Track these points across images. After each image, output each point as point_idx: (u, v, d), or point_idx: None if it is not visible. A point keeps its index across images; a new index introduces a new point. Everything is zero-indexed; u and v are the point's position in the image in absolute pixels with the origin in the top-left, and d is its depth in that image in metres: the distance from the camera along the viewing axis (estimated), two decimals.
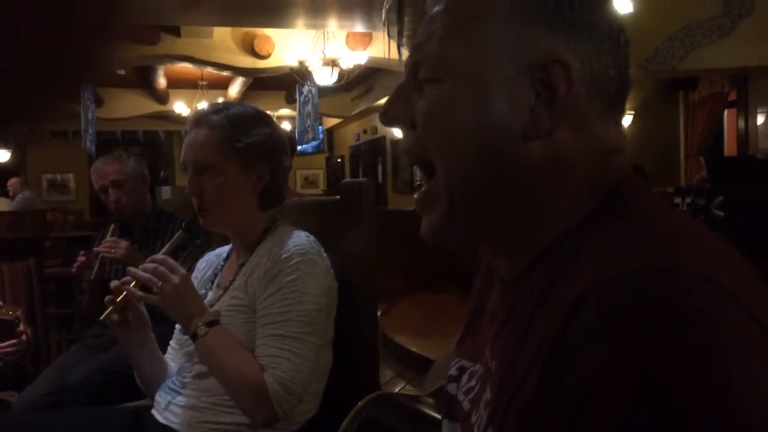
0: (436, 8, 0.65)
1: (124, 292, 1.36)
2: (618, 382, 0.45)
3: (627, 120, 7.70)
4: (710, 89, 7.52)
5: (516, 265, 0.63)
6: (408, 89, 0.65)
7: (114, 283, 1.37)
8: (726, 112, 7.70)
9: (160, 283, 1.33)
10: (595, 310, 0.48)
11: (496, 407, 0.58)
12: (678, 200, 5.65)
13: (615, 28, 0.62)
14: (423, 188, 0.65)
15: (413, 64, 0.65)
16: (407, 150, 0.65)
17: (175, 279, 1.33)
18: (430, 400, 0.80)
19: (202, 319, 1.33)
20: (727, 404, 0.43)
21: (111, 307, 1.37)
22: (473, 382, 0.70)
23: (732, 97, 7.35)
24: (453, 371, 0.76)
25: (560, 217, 0.59)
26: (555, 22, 0.59)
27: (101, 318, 1.37)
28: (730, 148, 7.80)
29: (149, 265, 1.35)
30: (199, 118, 1.45)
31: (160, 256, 1.38)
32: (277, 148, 1.48)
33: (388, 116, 0.66)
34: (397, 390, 3.38)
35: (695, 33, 5.86)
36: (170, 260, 1.37)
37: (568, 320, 0.49)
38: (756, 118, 6.92)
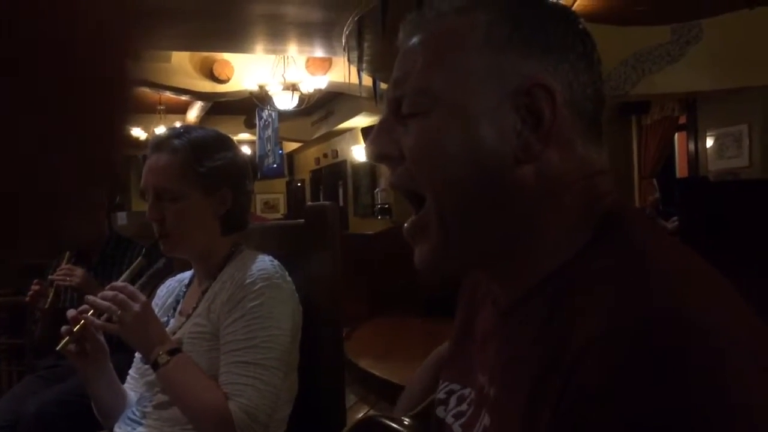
0: (411, 41, 0.65)
1: (82, 321, 1.32)
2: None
3: None
4: (661, 113, 7.75)
5: (512, 293, 0.63)
6: (391, 124, 0.65)
7: (71, 313, 1.33)
8: (677, 135, 7.94)
9: (119, 311, 1.29)
10: (597, 366, 0.48)
11: None
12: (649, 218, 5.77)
13: (588, 45, 0.63)
14: (413, 218, 0.65)
15: (395, 99, 0.65)
16: (397, 184, 0.65)
17: (136, 307, 1.30)
18: (417, 422, 0.79)
19: (164, 348, 1.30)
20: None
21: (68, 337, 1.32)
22: (464, 407, 0.69)
23: (682, 120, 7.58)
24: (441, 395, 0.75)
25: (555, 244, 0.60)
26: (531, 47, 0.60)
27: (58, 348, 1.33)
28: (681, 170, 8.04)
29: (108, 293, 1.32)
30: (160, 142, 1.43)
31: (119, 283, 1.35)
32: (239, 173, 1.46)
33: (374, 153, 0.66)
34: (362, 414, 3.34)
35: (645, 59, 6.05)
36: (130, 287, 1.33)
37: (572, 372, 0.49)
38: (705, 140, 7.15)
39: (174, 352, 1.30)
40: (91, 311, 1.32)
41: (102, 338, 1.40)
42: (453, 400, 0.72)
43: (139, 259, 1.46)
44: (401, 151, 0.64)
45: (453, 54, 0.62)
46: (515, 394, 0.56)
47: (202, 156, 1.40)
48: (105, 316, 1.31)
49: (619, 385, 0.46)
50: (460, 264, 0.66)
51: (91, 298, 1.32)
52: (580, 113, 0.61)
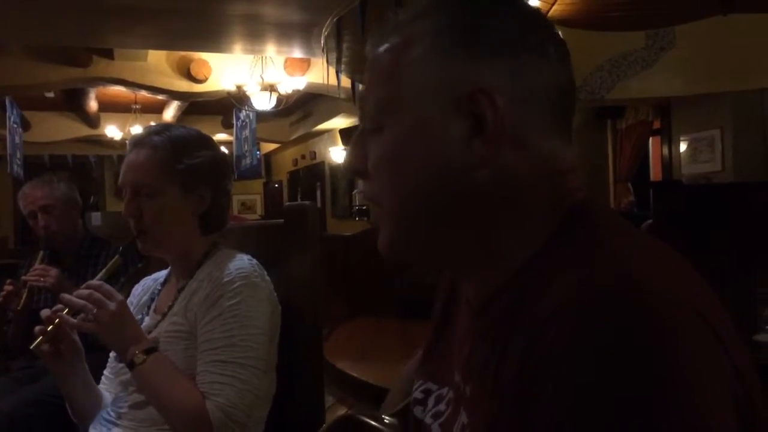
0: (375, 53, 0.66)
1: (57, 321, 1.30)
2: (585, 404, 0.46)
3: None
4: (636, 118, 7.85)
5: (483, 291, 0.64)
6: (361, 139, 0.67)
7: (45, 313, 1.31)
8: (651, 139, 8.04)
9: (95, 310, 1.28)
10: (560, 331, 0.49)
11: None
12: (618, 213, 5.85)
13: (544, 37, 0.62)
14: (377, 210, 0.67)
15: (362, 116, 0.67)
16: (366, 197, 0.67)
17: (112, 305, 1.28)
18: (395, 422, 0.79)
19: (140, 347, 1.29)
20: (695, 414, 0.45)
21: (41, 337, 1.30)
22: (442, 406, 0.70)
23: (656, 125, 7.69)
24: (418, 394, 0.75)
25: (522, 242, 0.60)
26: (478, 51, 0.60)
27: (31, 347, 1.31)
28: (655, 173, 8.14)
29: (84, 291, 1.30)
30: (140, 139, 1.42)
31: (95, 282, 1.33)
32: (219, 171, 1.45)
33: (349, 168, 0.68)
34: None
35: (621, 64, 6.12)
36: (106, 286, 1.32)
37: (536, 342, 0.50)
38: (679, 145, 7.26)
39: (150, 351, 1.29)
40: (66, 310, 1.30)
41: (77, 338, 1.38)
42: (431, 400, 0.72)
43: (116, 257, 1.44)
44: (367, 165, 0.65)
45: (398, 68, 0.63)
46: (489, 391, 0.56)
47: (181, 153, 1.39)
48: (81, 315, 1.30)
49: (581, 348, 0.47)
50: (419, 253, 0.67)
51: (66, 296, 1.30)
52: (540, 110, 0.61)
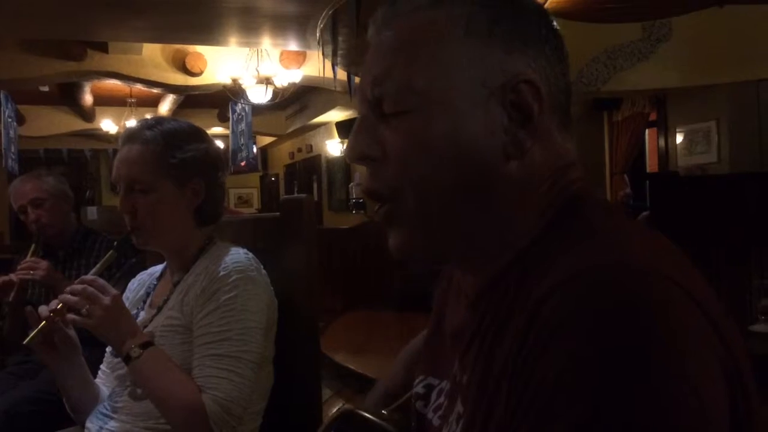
0: (385, 36, 0.63)
1: (50, 314, 1.29)
2: (581, 377, 0.46)
3: None
4: (632, 109, 7.85)
5: (483, 279, 0.63)
6: (371, 123, 0.64)
7: (42, 310, 1.30)
8: (647, 131, 8.05)
9: (88, 305, 1.27)
10: (556, 307, 0.49)
11: (472, 420, 0.58)
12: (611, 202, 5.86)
13: (559, 39, 0.64)
14: (387, 206, 0.63)
15: (375, 98, 0.63)
16: (375, 186, 0.63)
17: (106, 300, 1.28)
18: (396, 416, 0.79)
19: (135, 341, 1.28)
20: (686, 384, 0.45)
21: (35, 331, 1.30)
22: (442, 399, 0.70)
23: (653, 116, 7.69)
24: (419, 389, 0.75)
25: (525, 231, 0.60)
26: (512, 41, 0.60)
27: (24, 342, 1.30)
28: (651, 165, 8.15)
29: (77, 287, 1.29)
30: (132, 134, 1.41)
31: (89, 276, 1.33)
32: (212, 164, 1.45)
33: (355, 154, 0.64)
34: (338, 407, 3.35)
35: (617, 56, 6.12)
36: (100, 280, 1.31)
37: (532, 321, 0.50)
38: (675, 136, 7.26)
39: (146, 345, 1.28)
40: (60, 304, 1.29)
41: (72, 333, 1.38)
42: (434, 395, 0.72)
43: (111, 252, 1.43)
44: (383, 151, 0.62)
45: (435, 49, 0.61)
46: (486, 377, 0.56)
47: (173, 147, 1.39)
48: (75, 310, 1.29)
49: (577, 323, 0.48)
50: (435, 253, 0.66)
51: (62, 295, 1.30)
52: (556, 106, 0.62)
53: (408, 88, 0.61)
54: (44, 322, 1.29)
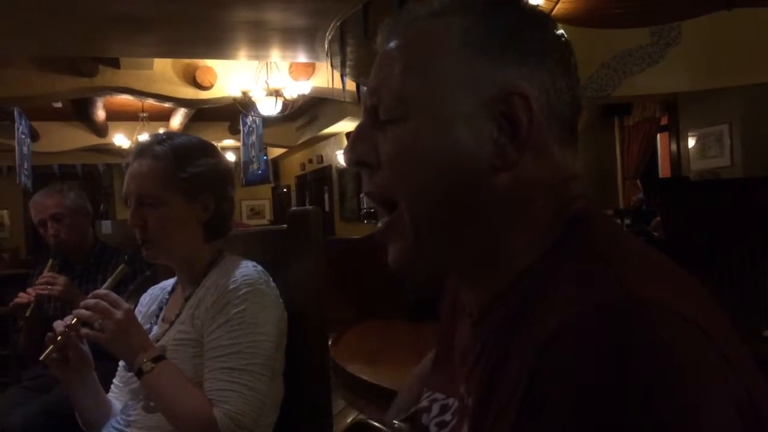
0: (389, 45, 0.65)
1: (64, 332, 1.31)
2: (591, 414, 0.46)
3: None
4: (643, 114, 7.82)
5: (484, 298, 0.63)
6: (368, 131, 0.65)
7: (57, 325, 1.32)
8: (659, 135, 8.01)
9: (101, 319, 1.29)
10: (565, 348, 0.48)
11: None
12: (617, 222, 5.82)
13: (566, 51, 0.63)
14: (386, 219, 0.65)
15: (372, 106, 0.64)
16: (372, 191, 0.65)
17: (118, 314, 1.29)
18: (406, 427, 0.79)
19: (148, 355, 1.29)
20: (697, 424, 0.44)
21: (51, 346, 1.31)
22: (447, 416, 0.70)
23: (664, 121, 7.66)
24: (425, 403, 0.75)
25: (525, 248, 0.60)
26: (509, 53, 0.60)
27: (41, 358, 1.32)
28: (664, 170, 8.11)
29: (90, 301, 1.31)
30: (143, 149, 1.43)
31: (101, 291, 1.34)
32: (222, 179, 1.46)
33: (352, 159, 0.65)
34: (352, 418, 3.34)
35: (627, 61, 6.11)
36: (113, 295, 1.33)
37: (541, 358, 0.50)
38: (687, 140, 7.23)
39: (158, 359, 1.29)
40: (75, 319, 1.31)
41: (86, 348, 1.39)
42: (435, 408, 0.72)
43: (121, 266, 1.45)
44: (378, 157, 0.63)
45: (429, 59, 0.61)
46: (488, 402, 0.56)
47: (183, 162, 1.40)
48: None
49: (582, 367, 0.47)
50: (432, 267, 0.66)
51: (77, 310, 1.31)
52: (557, 119, 0.61)
53: (400, 97, 0.62)
54: (59, 337, 1.31)
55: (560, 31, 0.64)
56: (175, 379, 1.29)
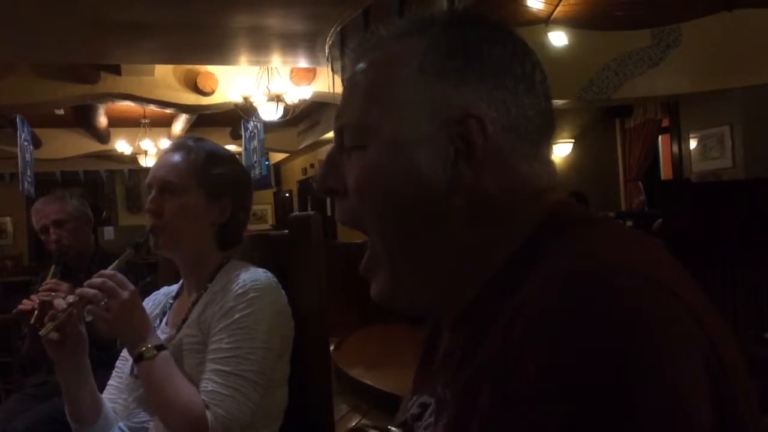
0: (356, 68, 0.65)
1: (68, 309, 1.26)
2: (558, 385, 0.46)
3: (567, 148, 7.92)
4: (644, 116, 7.82)
5: (459, 310, 0.63)
6: (337, 157, 0.65)
7: (59, 303, 1.28)
8: (660, 137, 8.01)
9: (106, 299, 1.27)
10: (531, 314, 0.49)
11: (456, 422, 0.58)
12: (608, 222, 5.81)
13: (528, 67, 0.62)
14: (366, 253, 0.65)
15: (338, 130, 0.65)
16: (342, 219, 0.65)
17: (125, 294, 1.28)
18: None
19: (151, 341, 1.29)
20: (668, 392, 0.45)
21: (52, 322, 1.26)
22: (432, 418, 0.69)
23: (665, 123, 7.66)
24: (414, 409, 0.75)
25: (495, 256, 0.60)
26: (466, 75, 0.60)
27: (40, 333, 1.27)
28: (665, 171, 8.10)
29: (96, 280, 1.29)
30: (176, 145, 1.47)
31: (108, 271, 1.32)
32: (243, 187, 1.49)
33: (321, 187, 0.66)
34: (353, 423, 3.33)
35: (627, 63, 6.11)
36: (119, 275, 1.31)
37: (511, 328, 0.50)
38: (689, 142, 7.23)
39: (161, 348, 1.29)
40: (78, 298, 1.28)
41: (83, 330, 1.36)
42: (427, 414, 0.73)
43: (128, 251, 1.43)
44: (345, 185, 0.64)
45: (387, 85, 0.62)
46: (465, 392, 0.56)
47: (212, 163, 1.43)
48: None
49: (551, 329, 0.47)
50: (412, 297, 0.65)
51: (81, 289, 1.28)
52: (521, 137, 0.61)
53: (360, 124, 0.62)
54: (62, 314, 1.26)
55: (522, 47, 0.63)
56: (173, 371, 1.28)
